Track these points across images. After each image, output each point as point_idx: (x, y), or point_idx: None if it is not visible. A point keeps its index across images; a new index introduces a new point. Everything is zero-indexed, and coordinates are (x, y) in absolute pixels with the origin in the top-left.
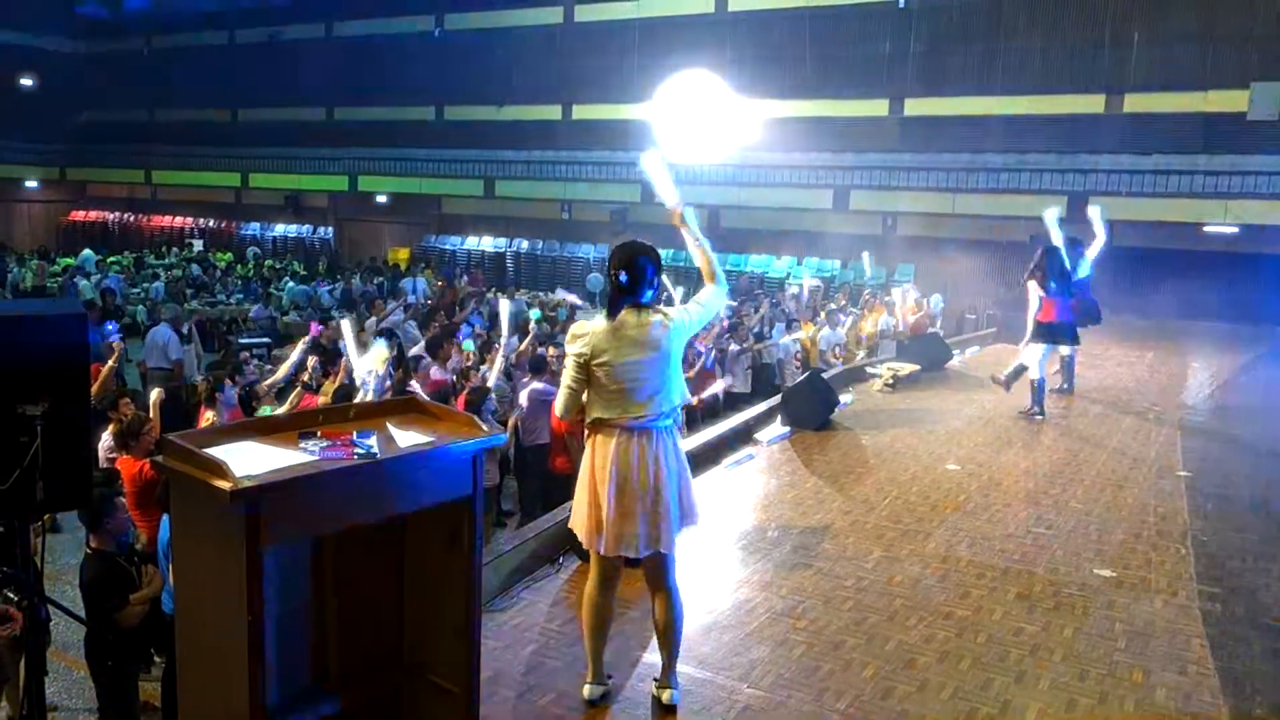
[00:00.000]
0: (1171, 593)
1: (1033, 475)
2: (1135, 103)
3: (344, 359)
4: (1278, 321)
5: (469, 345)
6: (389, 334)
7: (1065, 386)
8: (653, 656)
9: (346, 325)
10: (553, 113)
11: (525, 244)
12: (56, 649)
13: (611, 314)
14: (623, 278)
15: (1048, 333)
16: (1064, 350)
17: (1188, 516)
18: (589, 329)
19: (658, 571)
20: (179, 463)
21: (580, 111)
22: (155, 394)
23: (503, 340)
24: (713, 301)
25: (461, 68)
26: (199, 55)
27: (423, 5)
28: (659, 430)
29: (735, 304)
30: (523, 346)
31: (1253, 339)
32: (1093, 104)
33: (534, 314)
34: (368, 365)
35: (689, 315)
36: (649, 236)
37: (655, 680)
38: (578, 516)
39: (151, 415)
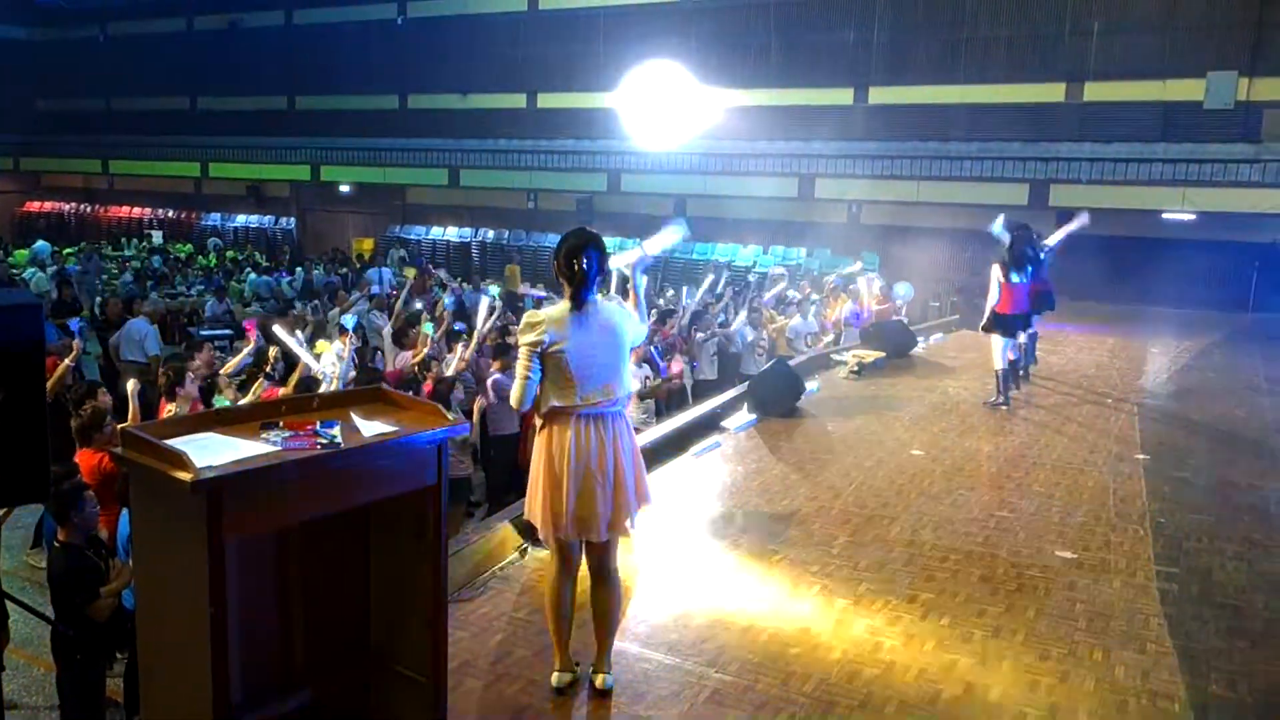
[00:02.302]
0: (1130, 573)
1: (995, 460)
2: (1095, 91)
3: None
4: (1232, 307)
5: (428, 328)
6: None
7: (1027, 364)
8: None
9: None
10: (518, 101)
11: (491, 234)
12: (15, 645)
13: (566, 300)
14: (585, 264)
15: (1003, 324)
16: (1020, 338)
17: (1146, 499)
18: (544, 316)
19: (603, 557)
20: (138, 454)
21: (546, 100)
22: (131, 384)
23: (477, 331)
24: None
25: (425, 56)
26: (156, 43)
27: None
28: (613, 415)
29: (705, 285)
30: (486, 328)
31: (1209, 324)
32: (1054, 93)
33: (493, 289)
34: (328, 360)
35: (637, 316)
36: (614, 225)
37: (591, 665)
38: (533, 507)
39: (131, 405)
